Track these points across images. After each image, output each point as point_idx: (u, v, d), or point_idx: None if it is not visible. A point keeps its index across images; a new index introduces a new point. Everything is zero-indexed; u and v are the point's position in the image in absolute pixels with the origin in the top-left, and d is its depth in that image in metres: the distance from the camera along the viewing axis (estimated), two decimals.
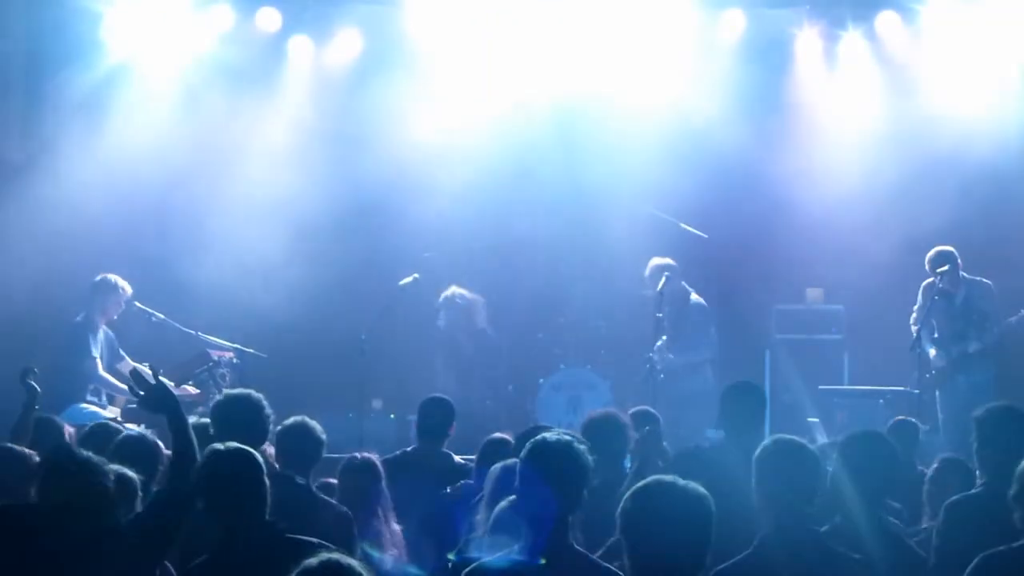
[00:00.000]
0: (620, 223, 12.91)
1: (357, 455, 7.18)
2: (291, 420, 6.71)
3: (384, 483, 7.04)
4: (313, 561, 3.56)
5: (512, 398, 13.24)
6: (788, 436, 5.30)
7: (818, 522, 5.32)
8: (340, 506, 6.44)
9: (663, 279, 11.57)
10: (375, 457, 7.19)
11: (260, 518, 5.07)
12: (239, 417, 6.24)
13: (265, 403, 6.39)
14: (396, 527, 6.95)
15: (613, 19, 13.10)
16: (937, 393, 11.22)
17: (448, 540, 6.13)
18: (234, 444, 5.21)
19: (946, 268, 11.04)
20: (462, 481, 7.42)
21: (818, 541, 4.98)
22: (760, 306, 13.03)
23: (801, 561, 4.86)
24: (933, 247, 11.33)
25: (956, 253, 11.16)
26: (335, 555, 3.61)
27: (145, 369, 5.44)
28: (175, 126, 12.72)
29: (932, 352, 11.23)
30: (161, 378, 5.35)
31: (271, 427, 6.44)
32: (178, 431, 5.25)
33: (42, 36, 12.51)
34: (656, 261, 11.93)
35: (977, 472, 6.30)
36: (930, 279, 11.18)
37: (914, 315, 11.32)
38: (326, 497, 6.64)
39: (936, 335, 11.26)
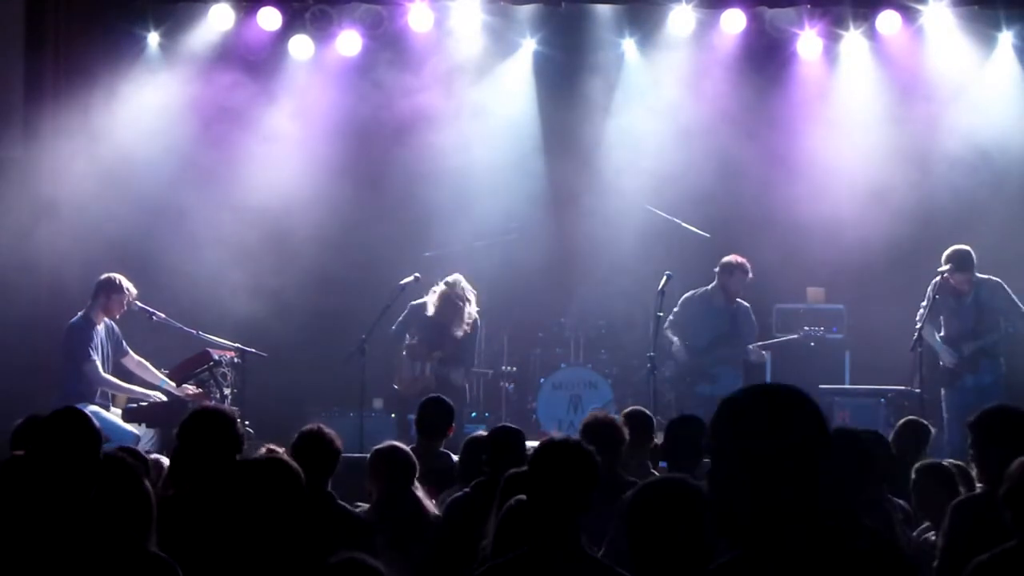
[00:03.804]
0: (621, 222, 12.92)
1: (396, 445, 7.01)
2: (307, 428, 6.43)
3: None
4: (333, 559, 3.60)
5: (512, 398, 13.27)
6: None
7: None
8: (360, 514, 6.26)
9: (664, 279, 11.60)
10: (407, 447, 7.09)
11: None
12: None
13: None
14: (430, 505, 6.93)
15: (613, 18, 13.12)
16: (943, 391, 11.16)
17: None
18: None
19: (948, 267, 10.99)
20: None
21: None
22: (760, 306, 13.02)
23: (796, 557, 4.85)
24: (935, 246, 11.34)
25: (972, 253, 11.06)
26: (356, 554, 3.63)
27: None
28: (175, 126, 12.72)
29: (942, 350, 11.15)
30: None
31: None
32: None
33: (43, 36, 12.49)
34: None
35: (975, 474, 6.29)
36: (939, 276, 11.03)
37: (920, 312, 11.19)
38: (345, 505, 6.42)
39: (942, 333, 11.19)
